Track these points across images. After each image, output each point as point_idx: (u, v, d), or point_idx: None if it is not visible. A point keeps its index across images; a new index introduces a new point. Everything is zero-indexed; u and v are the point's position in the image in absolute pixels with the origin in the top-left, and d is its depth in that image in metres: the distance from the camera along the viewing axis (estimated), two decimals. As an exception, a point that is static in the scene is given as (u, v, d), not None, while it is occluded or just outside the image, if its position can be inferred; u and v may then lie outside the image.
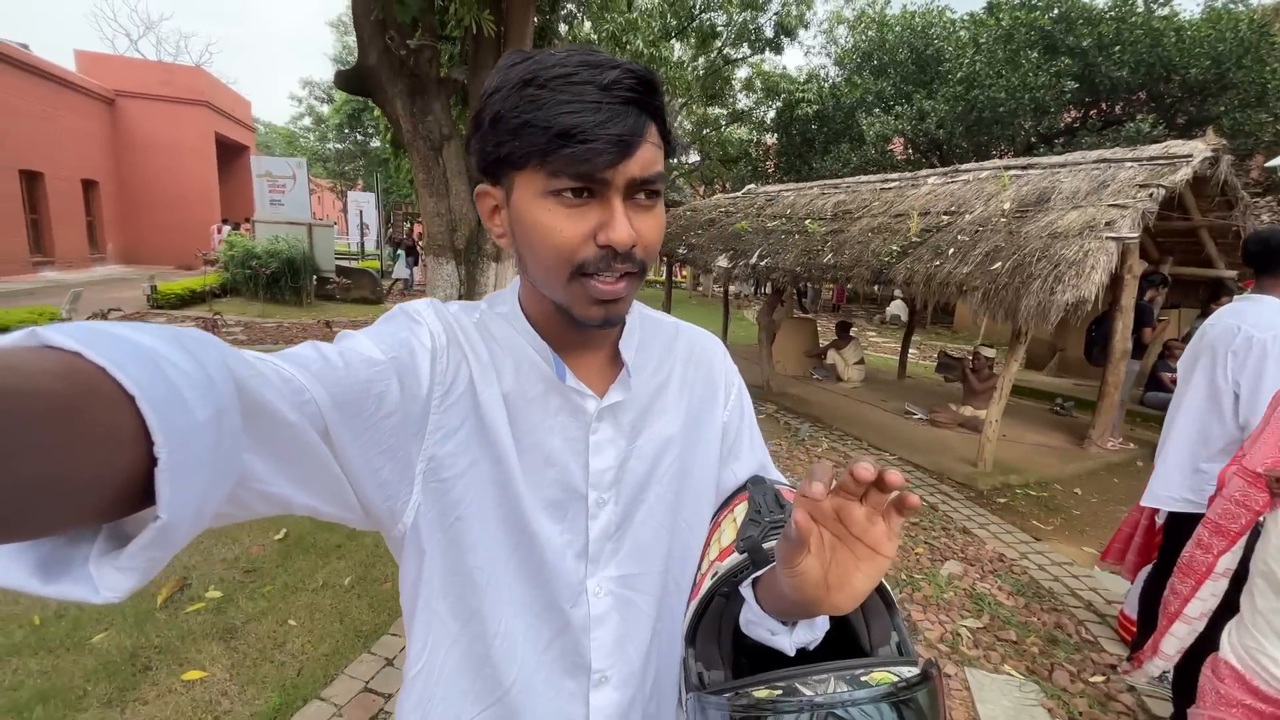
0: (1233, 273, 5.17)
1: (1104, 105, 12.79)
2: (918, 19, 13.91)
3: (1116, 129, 12.44)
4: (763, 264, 6.04)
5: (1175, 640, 1.69)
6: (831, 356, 7.16)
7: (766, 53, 17.84)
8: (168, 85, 15.12)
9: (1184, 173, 3.96)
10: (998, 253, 4.10)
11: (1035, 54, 11.42)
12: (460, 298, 6.23)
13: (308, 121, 27.10)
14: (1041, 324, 3.65)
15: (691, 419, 0.68)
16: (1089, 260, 3.54)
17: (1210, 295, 4.54)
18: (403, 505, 0.53)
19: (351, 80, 5.98)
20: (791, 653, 0.56)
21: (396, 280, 13.93)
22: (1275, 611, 1.33)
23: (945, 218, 4.91)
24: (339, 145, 26.14)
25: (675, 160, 22.11)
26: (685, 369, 0.69)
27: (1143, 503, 2.18)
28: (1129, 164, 4.29)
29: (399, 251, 14.65)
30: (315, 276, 10.79)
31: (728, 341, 9.12)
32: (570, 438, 0.60)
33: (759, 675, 0.56)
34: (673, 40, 16.34)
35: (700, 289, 22.09)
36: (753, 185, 8.86)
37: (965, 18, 13.46)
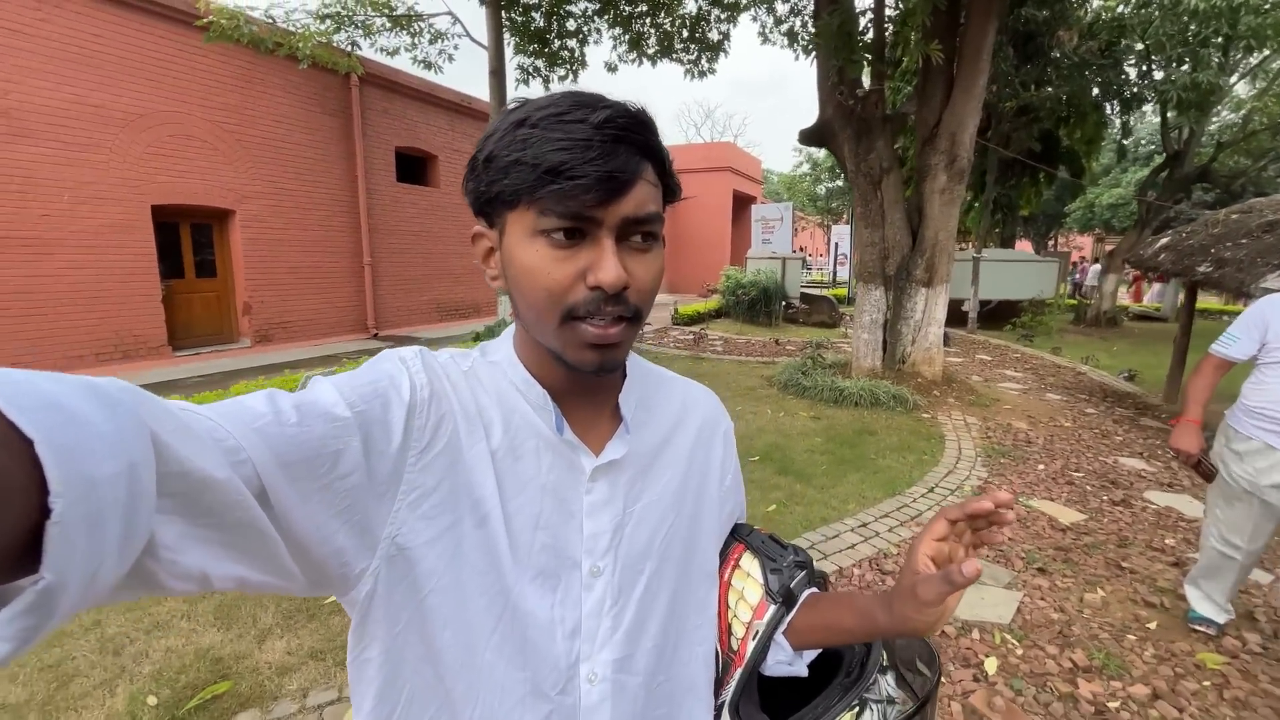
0: None
1: None
2: None
3: None
4: (1350, 283, 3.99)
5: None
6: None
7: None
8: (705, 160, 20.14)
9: None
10: None
11: None
12: (885, 322, 6.44)
13: (806, 168, 30.89)
14: None
15: (693, 485, 0.65)
16: None
17: None
18: (360, 571, 0.48)
19: (812, 136, 7.00)
20: (806, 672, 0.66)
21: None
22: None
23: None
24: (829, 185, 28.85)
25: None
26: (689, 430, 0.67)
27: None
28: None
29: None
30: (784, 302, 12.57)
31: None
32: (563, 498, 0.56)
33: (814, 708, 0.65)
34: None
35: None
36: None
37: None
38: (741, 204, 21.56)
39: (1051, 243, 26.88)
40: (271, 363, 7.85)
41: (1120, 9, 10.68)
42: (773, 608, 0.65)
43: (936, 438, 4.95)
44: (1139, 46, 11.07)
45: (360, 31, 8.26)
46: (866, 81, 6.30)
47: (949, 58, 5.70)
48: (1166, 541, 3.23)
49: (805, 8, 9.41)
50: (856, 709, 0.63)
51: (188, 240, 8.28)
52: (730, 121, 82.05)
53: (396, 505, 0.49)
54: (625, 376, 0.62)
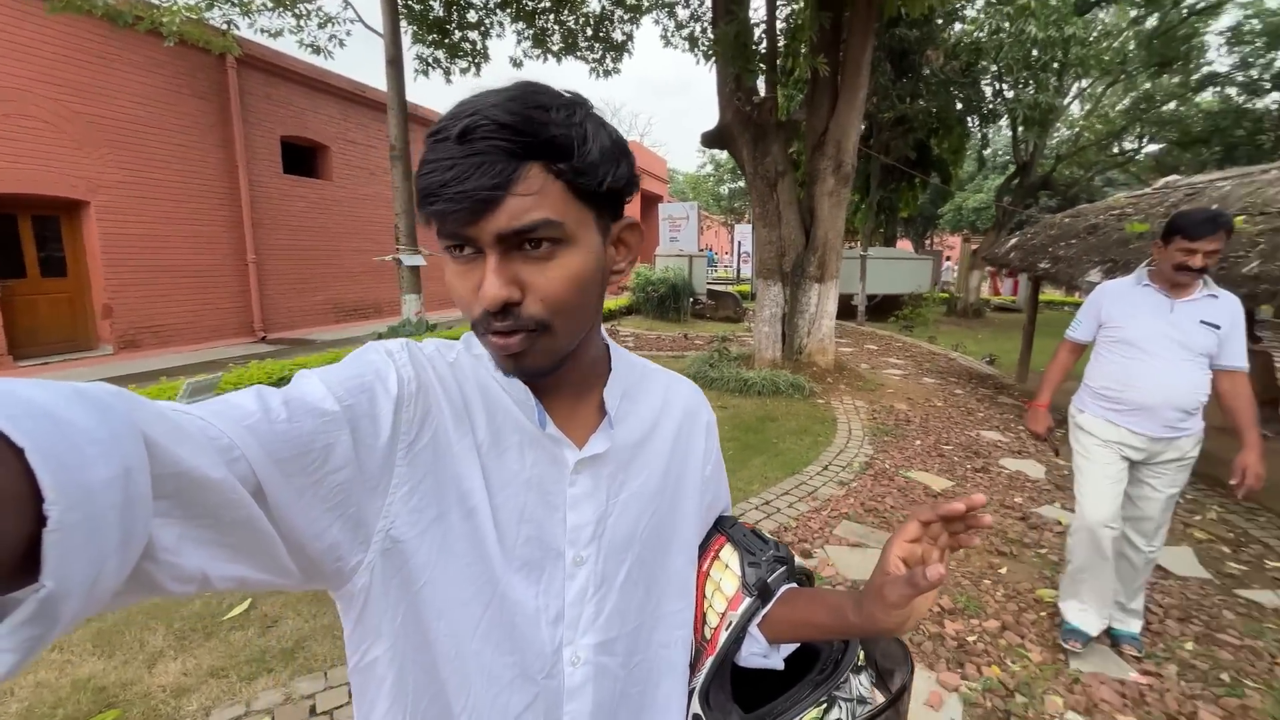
0: None
1: None
2: None
3: None
4: (1149, 277, 4.79)
5: None
6: (1292, 405, 5.02)
7: (1267, -16, 12.84)
8: (614, 158, 20.38)
9: None
10: None
11: None
12: (784, 316, 6.87)
13: (710, 169, 31.95)
14: None
15: (674, 475, 0.66)
16: None
17: None
18: (355, 565, 0.49)
19: (713, 138, 7.31)
20: (782, 666, 0.67)
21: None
22: None
23: None
24: (732, 185, 30.03)
25: (1115, 150, 17.51)
26: (671, 422, 0.67)
27: None
28: None
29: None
30: (691, 298, 13.00)
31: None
32: (546, 491, 0.57)
33: (785, 701, 0.65)
34: (1096, 10, 13.37)
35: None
36: (1175, 177, 6.78)
37: None
38: (648, 203, 21.98)
39: (928, 242, 29.59)
40: (141, 370, 7.09)
41: (977, 34, 12.00)
42: (747, 600, 0.66)
43: (830, 421, 5.39)
44: (993, 68, 12.49)
45: (237, 9, 7.61)
46: (762, 89, 6.69)
47: (834, 70, 6.18)
48: (1015, 500, 3.75)
49: (705, 14, 9.78)
50: (825, 705, 0.64)
51: (29, 235, 7.29)
52: (636, 121, 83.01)
53: (389, 499, 0.50)
54: (610, 370, 0.63)
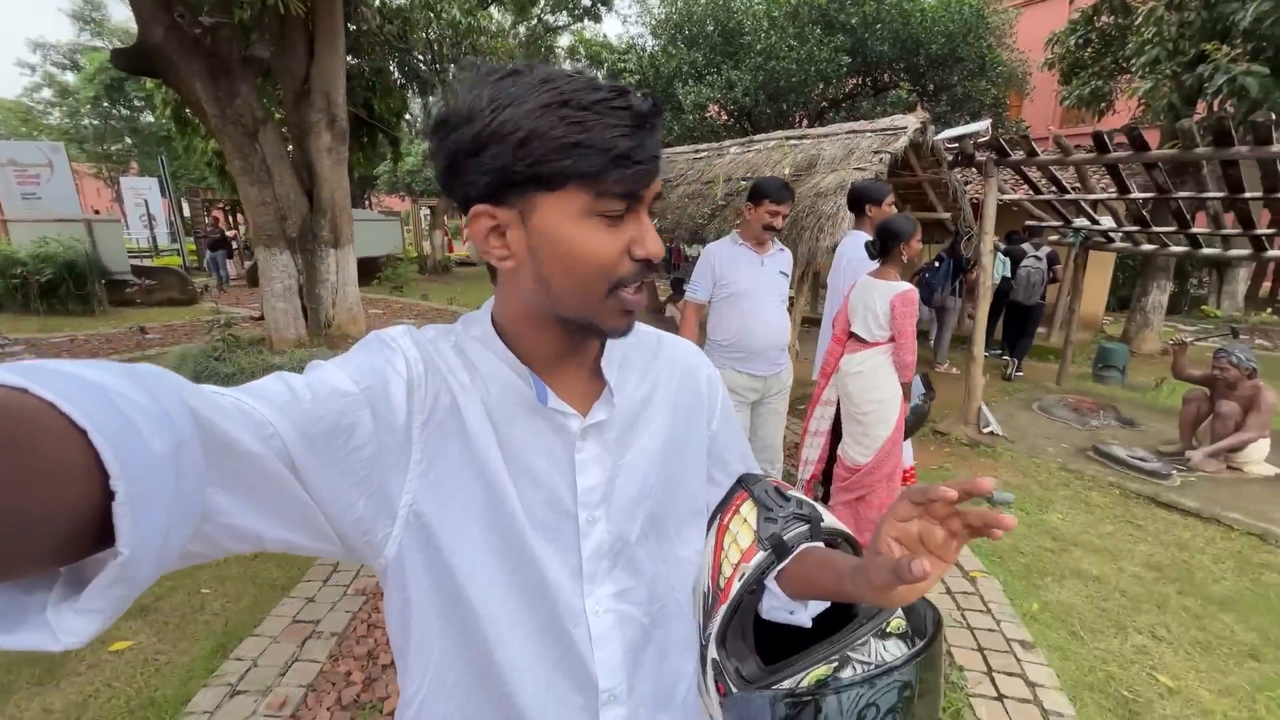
0: (947, 214, 6.78)
1: (875, 75, 15.00)
2: (719, -7, 15.04)
3: (884, 95, 14.79)
4: (600, 232, 6.63)
5: (808, 449, 2.77)
6: (671, 311, 8.06)
7: (586, 21, 18.15)
8: None
9: (902, 141, 5.19)
10: (781, 211, 5.09)
11: (818, 30, 13.08)
12: (300, 288, 6.10)
13: (48, 93, 22.37)
14: (814, 265, 4.70)
15: (678, 431, 0.68)
16: (840, 214, 4.60)
17: (949, 235, 6.18)
18: (383, 539, 0.53)
19: (134, 60, 5.46)
20: (809, 624, 0.65)
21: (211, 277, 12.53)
22: (848, 416, 2.46)
23: (744, 182, 5.84)
24: (96, 122, 22.00)
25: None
26: (670, 382, 0.69)
27: (813, 376, 3.02)
28: (868, 134, 5.47)
29: (215, 251, 13.11)
30: (105, 280, 9.45)
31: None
32: (556, 458, 0.60)
33: (800, 656, 0.63)
34: (490, 7, 16.00)
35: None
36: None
37: (759, -6, 14.87)
38: (-55, 136, 13.98)
39: (367, 203, 29.69)
40: None
41: (399, 1, 12.53)
42: (760, 554, 0.66)
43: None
44: (424, 38, 13.38)
45: None
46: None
47: (308, 10, 5.56)
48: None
49: None
50: (835, 664, 0.61)
51: None
52: None
53: (410, 475, 0.53)
54: (604, 340, 0.64)
